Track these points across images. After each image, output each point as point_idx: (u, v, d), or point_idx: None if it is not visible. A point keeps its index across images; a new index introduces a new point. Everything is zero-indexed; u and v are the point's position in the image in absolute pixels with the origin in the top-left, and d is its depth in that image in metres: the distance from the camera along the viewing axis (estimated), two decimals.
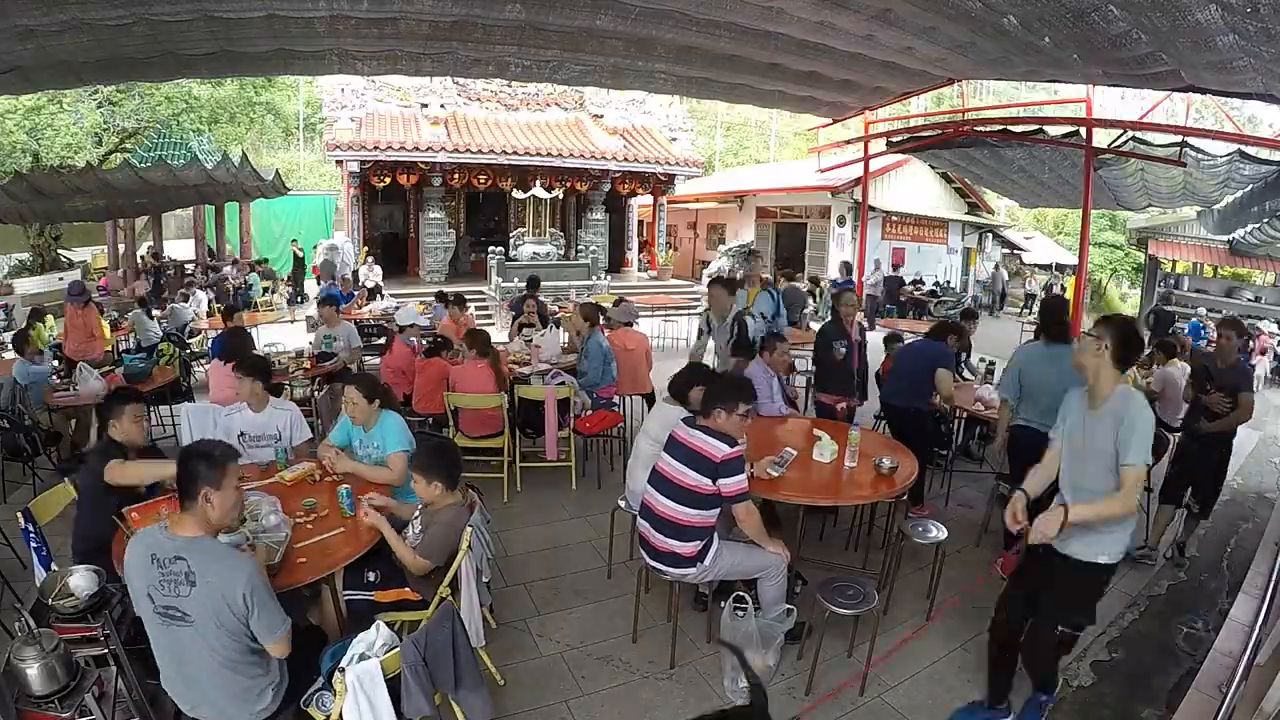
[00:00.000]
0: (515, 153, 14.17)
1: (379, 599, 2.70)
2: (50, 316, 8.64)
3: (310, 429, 3.80)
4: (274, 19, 5.70)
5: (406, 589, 2.72)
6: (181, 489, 2.02)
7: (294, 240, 16.50)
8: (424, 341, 5.80)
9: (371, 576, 2.72)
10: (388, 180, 14.03)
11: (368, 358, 7.61)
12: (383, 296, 11.66)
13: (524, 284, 9.18)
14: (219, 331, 6.57)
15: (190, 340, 8.37)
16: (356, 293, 10.69)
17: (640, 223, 18.88)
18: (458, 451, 2.99)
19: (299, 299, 14.26)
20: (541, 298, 8.21)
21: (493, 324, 12.02)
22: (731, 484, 2.81)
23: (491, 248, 14.16)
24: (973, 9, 5.16)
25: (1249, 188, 9.00)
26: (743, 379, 3.33)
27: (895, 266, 16.13)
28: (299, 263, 15.90)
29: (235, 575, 1.92)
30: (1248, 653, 2.14)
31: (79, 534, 2.81)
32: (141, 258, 14.64)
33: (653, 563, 2.97)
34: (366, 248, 15.27)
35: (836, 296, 5.44)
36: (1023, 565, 2.72)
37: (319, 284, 13.48)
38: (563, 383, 5.12)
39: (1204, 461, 4.16)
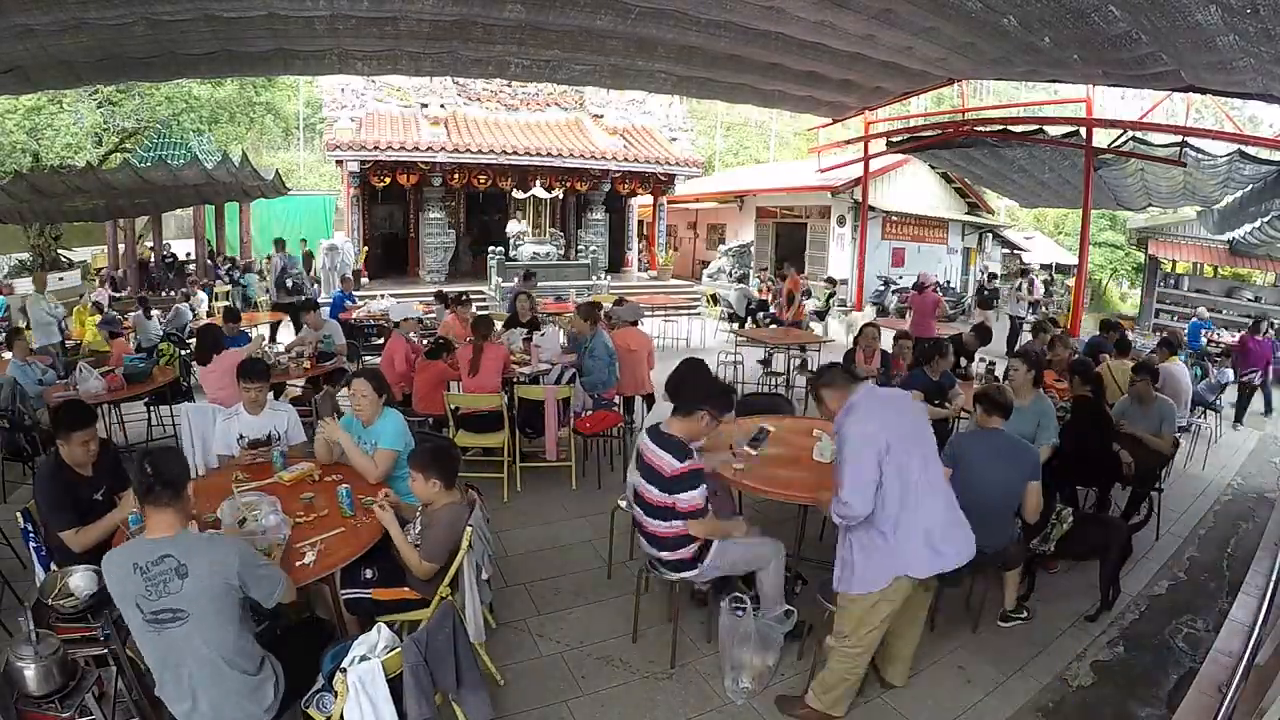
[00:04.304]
0: (515, 153, 14.16)
1: (378, 597, 2.70)
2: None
3: (308, 430, 3.79)
4: (274, 18, 5.70)
5: (405, 588, 2.72)
6: (163, 490, 1.98)
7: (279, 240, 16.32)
8: (424, 341, 5.81)
9: (369, 574, 2.71)
10: (388, 180, 14.02)
11: (367, 357, 7.63)
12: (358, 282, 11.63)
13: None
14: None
15: (190, 340, 8.37)
16: (355, 295, 10.71)
17: (640, 223, 18.87)
18: (457, 452, 2.98)
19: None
20: (535, 295, 8.22)
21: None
22: (686, 499, 2.71)
23: (491, 248, 14.16)
24: (973, 9, 5.17)
25: (1249, 188, 9.00)
26: (727, 390, 3.37)
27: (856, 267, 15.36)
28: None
29: (225, 557, 1.96)
30: (1248, 653, 2.14)
31: (49, 543, 2.80)
32: (152, 249, 14.61)
33: (655, 568, 2.98)
34: (366, 248, 15.26)
35: None
36: None
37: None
38: (569, 381, 5.14)
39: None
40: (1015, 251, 21.85)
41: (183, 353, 6.88)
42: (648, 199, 17.72)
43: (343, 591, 2.69)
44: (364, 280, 14.06)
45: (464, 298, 7.10)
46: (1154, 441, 4.50)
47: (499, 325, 6.63)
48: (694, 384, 3.43)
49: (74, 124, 15.93)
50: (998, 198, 18.84)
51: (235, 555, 1.98)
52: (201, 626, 1.91)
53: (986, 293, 13.64)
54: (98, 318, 8.40)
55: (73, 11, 4.95)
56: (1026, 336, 8.69)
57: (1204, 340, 10.55)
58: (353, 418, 3.40)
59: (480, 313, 6.37)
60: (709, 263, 18.61)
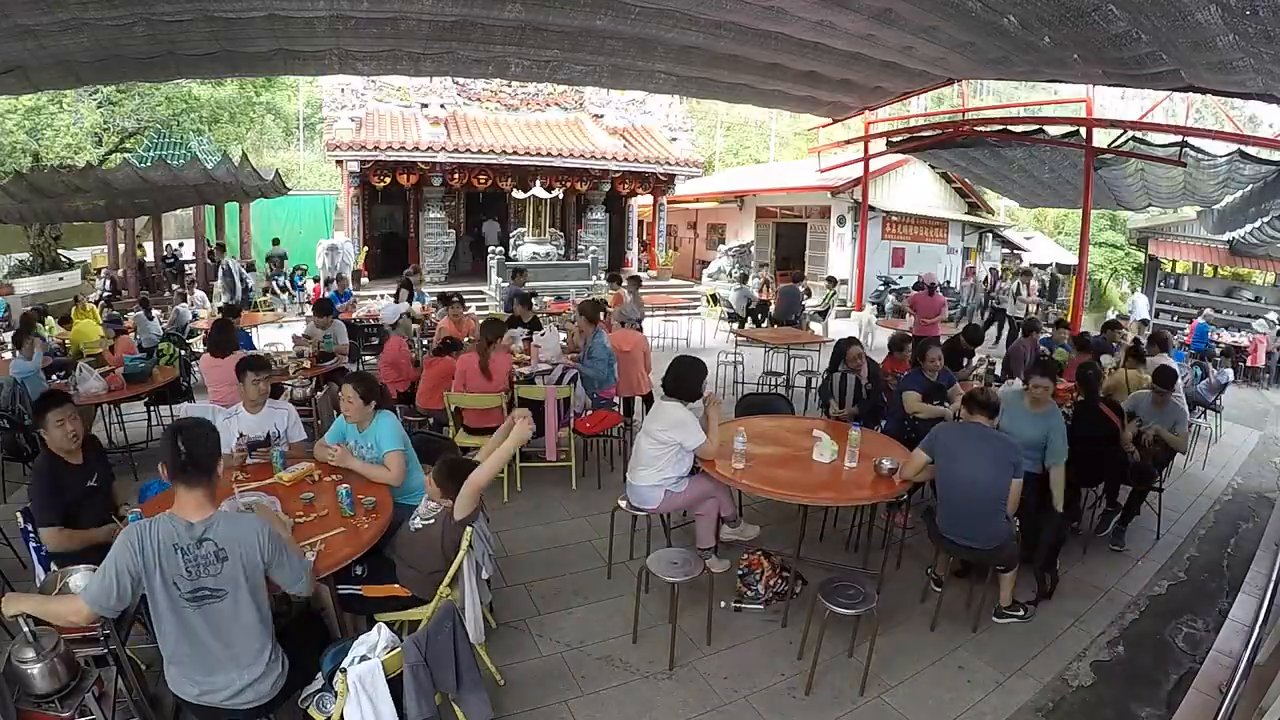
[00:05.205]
0: (515, 153, 14.16)
1: (368, 593, 2.71)
2: (50, 317, 8.64)
3: (309, 429, 3.79)
4: (274, 19, 5.70)
5: (395, 585, 2.73)
6: (195, 470, 1.98)
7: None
8: (424, 342, 5.81)
9: (359, 570, 2.73)
10: (388, 180, 14.02)
11: (367, 357, 7.63)
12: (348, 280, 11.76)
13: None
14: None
15: (190, 340, 8.37)
16: (352, 292, 10.72)
17: (640, 223, 18.86)
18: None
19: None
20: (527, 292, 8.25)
21: None
22: None
23: (491, 248, 14.16)
24: (972, 9, 5.17)
25: (1249, 188, 9.00)
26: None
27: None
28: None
29: (253, 538, 2.01)
30: (1248, 653, 2.15)
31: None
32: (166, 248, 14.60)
33: None
34: (367, 248, 15.25)
35: None
36: None
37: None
38: (572, 380, 5.13)
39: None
40: (1015, 251, 21.83)
41: (182, 353, 6.88)
42: (648, 199, 17.72)
43: (338, 588, 2.69)
44: (364, 280, 14.06)
45: (456, 298, 7.11)
46: (1173, 440, 4.65)
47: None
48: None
49: (74, 124, 15.92)
50: (998, 198, 18.84)
51: (263, 534, 2.04)
52: (235, 602, 1.97)
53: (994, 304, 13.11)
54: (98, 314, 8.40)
55: (73, 11, 4.95)
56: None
57: (1207, 342, 10.57)
58: (343, 422, 3.41)
59: (488, 317, 6.34)
60: (709, 263, 18.60)
